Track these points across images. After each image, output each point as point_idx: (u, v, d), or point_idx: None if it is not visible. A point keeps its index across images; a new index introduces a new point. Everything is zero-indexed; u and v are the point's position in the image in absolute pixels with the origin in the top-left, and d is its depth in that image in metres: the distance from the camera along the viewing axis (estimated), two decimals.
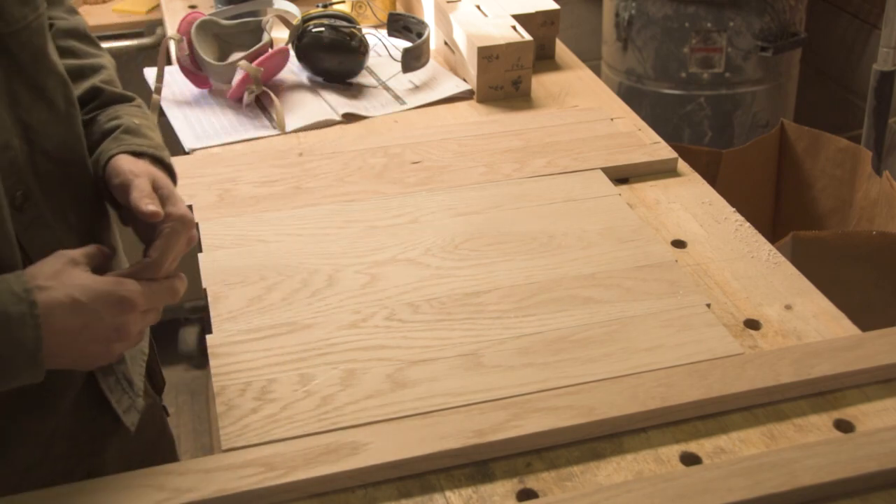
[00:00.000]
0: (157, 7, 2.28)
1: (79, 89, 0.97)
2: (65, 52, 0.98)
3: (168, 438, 1.19)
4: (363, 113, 1.49)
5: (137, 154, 0.95)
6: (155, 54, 1.60)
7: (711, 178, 1.57)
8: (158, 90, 1.52)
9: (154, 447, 1.12)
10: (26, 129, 0.86)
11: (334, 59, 1.55)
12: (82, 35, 1.04)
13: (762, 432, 0.90)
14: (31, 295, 0.78)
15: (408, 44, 1.59)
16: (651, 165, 1.32)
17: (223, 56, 1.56)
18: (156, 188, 0.91)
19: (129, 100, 1.03)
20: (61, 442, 0.94)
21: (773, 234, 2.02)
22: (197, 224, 1.19)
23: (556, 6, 1.66)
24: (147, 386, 1.08)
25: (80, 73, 0.99)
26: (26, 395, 0.87)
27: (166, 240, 0.87)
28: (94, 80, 1.01)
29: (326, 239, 1.17)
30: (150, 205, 0.87)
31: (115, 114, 1.00)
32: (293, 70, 1.61)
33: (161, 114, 1.50)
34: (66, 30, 0.98)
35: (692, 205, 1.25)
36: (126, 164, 0.92)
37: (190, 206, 1.22)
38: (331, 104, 1.51)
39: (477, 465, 0.87)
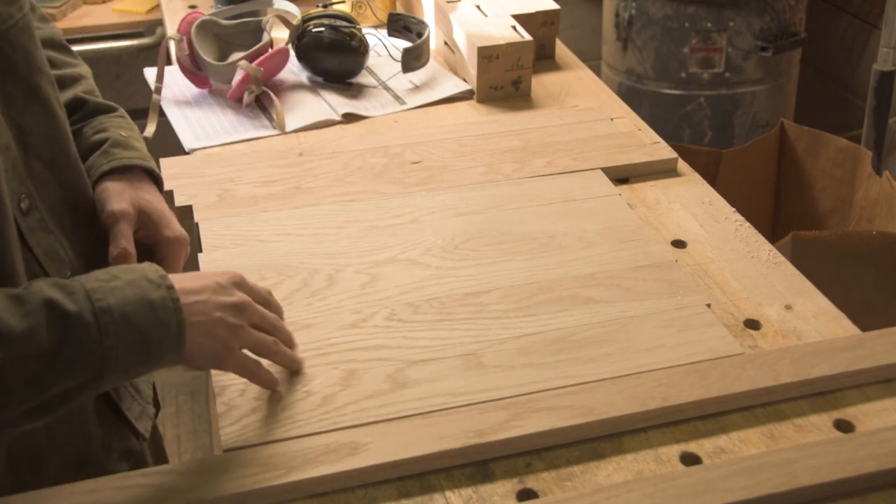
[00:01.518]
0: (157, 7, 2.28)
1: (61, 99, 0.97)
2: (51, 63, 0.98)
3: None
4: (363, 113, 1.49)
5: (128, 168, 0.97)
6: (155, 54, 1.60)
7: (711, 178, 1.57)
8: (158, 90, 1.52)
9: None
10: (21, 131, 0.86)
11: (334, 59, 1.55)
12: (59, 45, 1.04)
13: (762, 432, 0.90)
14: (166, 280, 0.82)
15: (408, 44, 1.59)
16: (651, 165, 1.32)
17: (223, 56, 1.56)
18: (146, 214, 0.96)
19: (112, 110, 1.04)
20: (89, 456, 0.95)
21: (773, 234, 2.02)
22: (197, 224, 1.19)
23: (556, 6, 1.66)
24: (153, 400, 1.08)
25: (60, 84, 0.99)
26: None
27: (169, 265, 0.95)
28: (77, 91, 1.02)
29: (326, 239, 1.17)
30: (114, 250, 0.92)
31: (100, 126, 1.01)
32: (293, 70, 1.61)
33: (161, 114, 1.50)
34: (42, 39, 0.97)
35: (692, 205, 1.25)
36: (111, 203, 0.95)
37: (190, 206, 1.22)
38: (331, 104, 1.51)
39: (477, 465, 0.87)
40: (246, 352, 0.89)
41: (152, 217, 0.97)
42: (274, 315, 0.93)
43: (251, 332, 0.89)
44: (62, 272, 0.89)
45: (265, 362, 0.92)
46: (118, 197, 0.95)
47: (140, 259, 0.94)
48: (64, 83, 1.01)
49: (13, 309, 0.74)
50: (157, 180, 1.02)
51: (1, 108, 0.84)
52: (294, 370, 0.95)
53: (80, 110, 1.02)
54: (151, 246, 0.98)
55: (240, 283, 0.89)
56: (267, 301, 0.93)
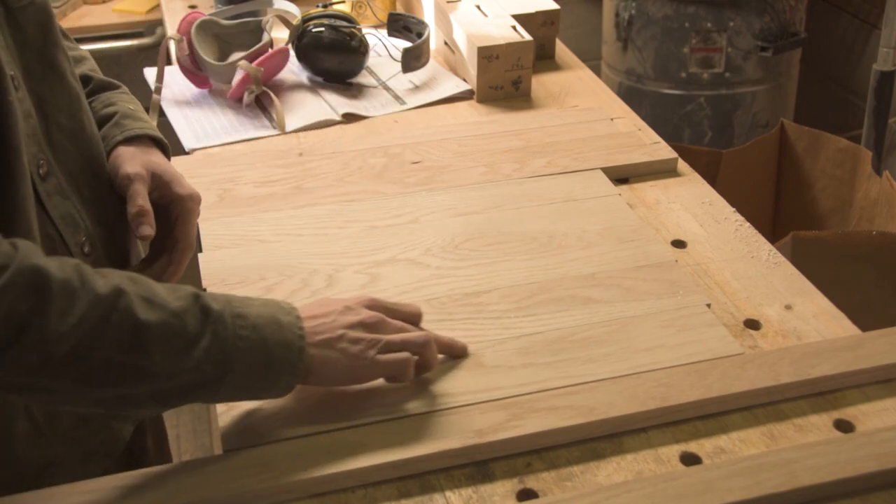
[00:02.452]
0: (157, 7, 2.28)
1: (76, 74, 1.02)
2: None
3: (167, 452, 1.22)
4: (363, 113, 1.49)
5: (138, 137, 1.02)
6: (155, 54, 1.60)
7: (711, 178, 1.57)
8: (158, 90, 1.52)
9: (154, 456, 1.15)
10: (40, 101, 0.90)
11: (334, 59, 1.55)
12: (62, 30, 1.07)
13: (762, 432, 0.90)
14: (296, 310, 0.87)
15: (408, 44, 1.59)
16: (651, 165, 1.32)
17: (223, 56, 1.56)
18: (158, 176, 1.00)
19: (116, 87, 1.09)
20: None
21: (773, 234, 2.02)
22: (197, 224, 1.19)
23: (556, 6, 1.66)
24: None
25: None
26: None
27: (185, 222, 0.99)
28: (83, 69, 1.07)
29: (326, 239, 1.17)
30: (143, 226, 0.96)
31: (108, 100, 1.06)
32: (293, 70, 1.61)
33: (161, 114, 1.50)
34: None
35: (692, 205, 1.25)
36: (125, 167, 0.99)
37: None
38: (331, 104, 1.51)
39: (477, 465, 0.87)
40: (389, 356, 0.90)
41: (164, 178, 1.01)
42: (410, 327, 0.93)
43: (382, 340, 0.89)
44: (77, 236, 0.93)
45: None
46: (131, 161, 0.99)
47: (156, 218, 0.98)
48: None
49: (168, 291, 0.80)
50: (164, 148, 1.07)
51: (22, 77, 0.88)
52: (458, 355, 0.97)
53: (87, 87, 1.06)
54: (166, 205, 1.01)
55: (370, 304, 0.92)
56: (405, 314, 0.94)
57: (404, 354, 0.90)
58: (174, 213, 1.01)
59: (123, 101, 1.07)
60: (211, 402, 0.85)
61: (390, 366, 0.89)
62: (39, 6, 0.91)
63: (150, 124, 1.06)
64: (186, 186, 1.02)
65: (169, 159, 1.06)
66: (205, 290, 1.08)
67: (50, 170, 0.90)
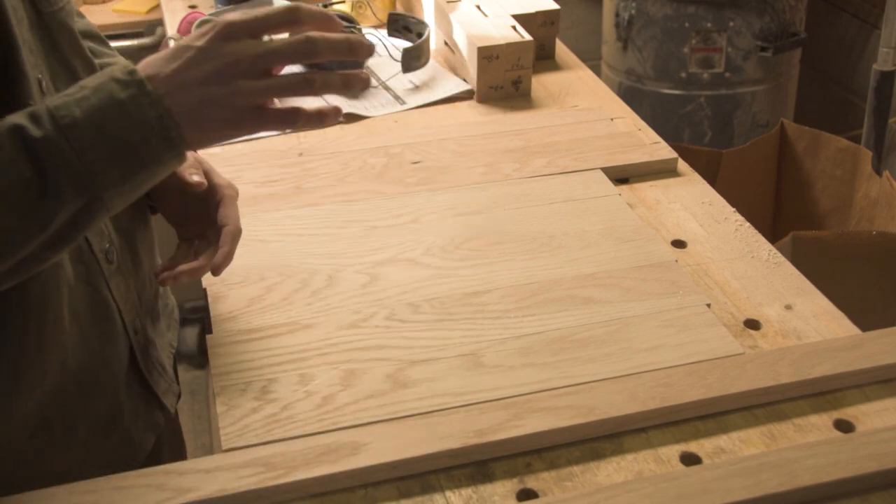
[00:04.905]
0: (157, 7, 2.28)
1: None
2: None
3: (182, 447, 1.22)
4: (363, 113, 1.49)
5: None
6: None
7: (711, 178, 1.57)
8: None
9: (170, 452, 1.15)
10: None
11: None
12: (97, 37, 1.08)
13: (762, 432, 0.90)
14: (136, 75, 0.77)
15: (408, 44, 1.59)
16: (651, 165, 1.32)
17: None
18: (200, 163, 1.00)
19: None
20: (119, 422, 0.97)
21: (773, 234, 2.02)
22: None
23: (556, 6, 1.66)
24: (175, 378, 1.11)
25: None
26: (84, 373, 0.90)
27: (228, 206, 0.97)
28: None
29: (326, 239, 1.17)
30: (194, 175, 0.95)
31: None
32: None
33: None
34: (82, 31, 1.01)
35: (692, 205, 1.25)
36: None
37: None
38: (331, 104, 1.51)
39: (477, 465, 0.87)
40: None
41: (204, 166, 1.01)
42: (276, 41, 0.81)
43: (253, 87, 0.80)
44: (101, 243, 0.93)
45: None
46: None
47: (196, 204, 0.98)
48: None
49: None
50: None
51: (49, 81, 0.87)
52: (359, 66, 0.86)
53: None
54: (205, 194, 1.00)
55: (226, 34, 0.79)
56: (270, 23, 0.81)
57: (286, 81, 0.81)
58: (216, 199, 0.99)
59: None
60: (112, 211, 0.79)
61: (273, 121, 0.81)
62: (68, 12, 0.92)
63: None
64: (222, 177, 1.01)
65: None
66: (204, 289, 1.08)
67: None
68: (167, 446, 1.11)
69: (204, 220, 0.99)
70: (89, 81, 0.78)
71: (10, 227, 0.74)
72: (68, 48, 0.92)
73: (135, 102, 0.76)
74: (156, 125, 0.77)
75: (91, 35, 1.07)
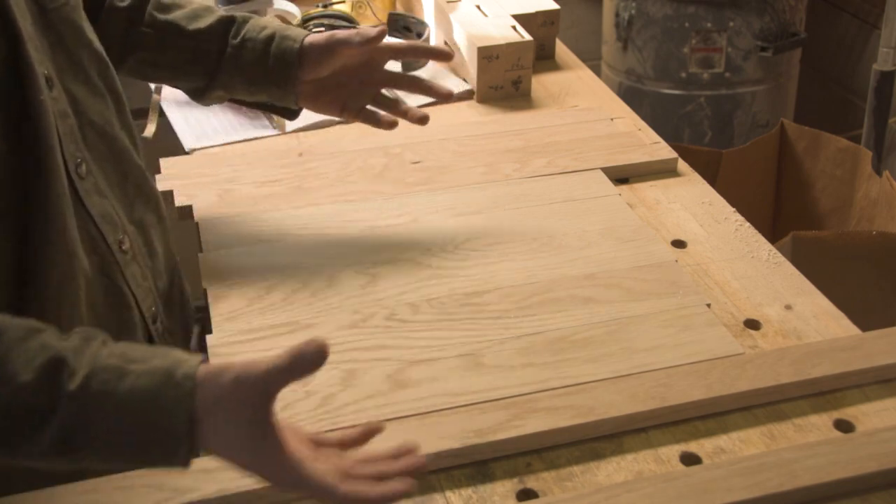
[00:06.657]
0: None
1: (204, 23, 1.09)
2: (171, 7, 1.11)
3: None
4: None
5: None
6: None
7: (711, 178, 1.57)
8: (159, 90, 1.52)
9: None
10: (74, 101, 0.92)
11: None
12: None
13: (762, 432, 0.90)
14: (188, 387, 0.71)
15: None
16: (651, 165, 1.32)
17: None
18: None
19: (249, 18, 1.13)
20: None
21: (773, 234, 2.02)
22: (197, 224, 1.19)
23: (556, 6, 1.66)
24: None
25: (194, 16, 1.10)
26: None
27: (349, 49, 1.09)
28: (217, 14, 1.11)
29: (326, 239, 1.17)
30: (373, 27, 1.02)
31: (260, 24, 1.11)
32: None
33: (161, 114, 1.50)
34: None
35: (692, 205, 1.25)
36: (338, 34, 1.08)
37: (190, 206, 1.22)
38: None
39: (477, 465, 0.87)
40: None
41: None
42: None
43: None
44: (115, 234, 0.94)
45: None
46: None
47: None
48: (198, 15, 1.11)
49: (23, 360, 0.71)
50: None
51: (57, 77, 0.89)
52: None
53: (234, 24, 1.10)
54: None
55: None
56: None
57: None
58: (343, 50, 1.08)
59: (268, 21, 1.12)
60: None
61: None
62: (73, 6, 0.93)
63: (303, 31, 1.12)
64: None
65: None
66: (204, 290, 1.08)
67: (88, 168, 0.91)
68: None
69: (340, 84, 1.12)
70: (150, 355, 0.73)
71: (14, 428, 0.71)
72: (74, 42, 0.93)
73: (172, 412, 0.71)
74: (183, 437, 0.71)
75: None
